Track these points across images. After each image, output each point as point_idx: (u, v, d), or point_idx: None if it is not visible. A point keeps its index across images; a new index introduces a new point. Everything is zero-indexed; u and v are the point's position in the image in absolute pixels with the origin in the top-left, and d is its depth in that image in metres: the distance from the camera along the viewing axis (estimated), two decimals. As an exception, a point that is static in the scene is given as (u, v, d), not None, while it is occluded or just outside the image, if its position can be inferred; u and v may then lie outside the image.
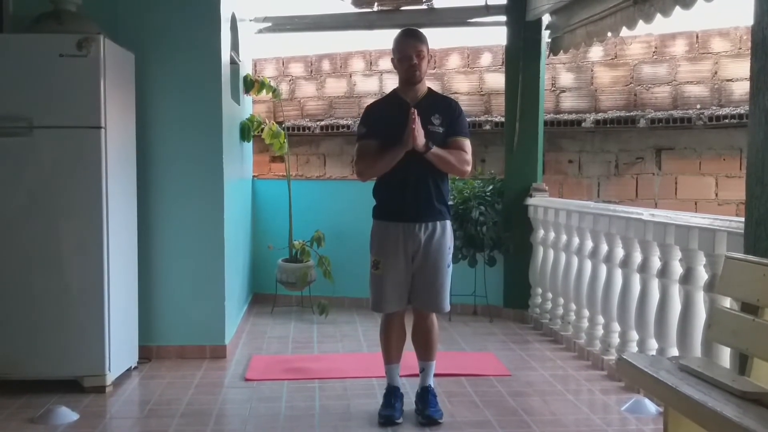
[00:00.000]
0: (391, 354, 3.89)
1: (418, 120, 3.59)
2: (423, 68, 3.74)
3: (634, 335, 4.39)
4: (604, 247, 4.78)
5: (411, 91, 3.77)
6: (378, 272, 3.79)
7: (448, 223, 3.83)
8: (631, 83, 7.26)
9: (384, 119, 3.75)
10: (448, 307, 3.87)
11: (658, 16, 4.47)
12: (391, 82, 7.68)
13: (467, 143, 3.78)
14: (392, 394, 3.85)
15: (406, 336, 3.93)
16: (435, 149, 3.65)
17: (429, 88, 3.87)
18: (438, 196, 3.77)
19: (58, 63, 4.14)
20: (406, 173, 3.68)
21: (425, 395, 3.83)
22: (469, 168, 3.79)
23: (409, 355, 3.99)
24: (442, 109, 3.78)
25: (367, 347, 5.33)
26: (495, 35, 7.13)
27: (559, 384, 4.45)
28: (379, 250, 3.80)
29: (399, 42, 3.76)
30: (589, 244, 5.03)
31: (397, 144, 3.62)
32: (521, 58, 6.17)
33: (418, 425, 3.74)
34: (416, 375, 3.94)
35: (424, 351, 3.89)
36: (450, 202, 6.04)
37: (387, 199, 3.80)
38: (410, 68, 3.71)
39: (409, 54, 3.70)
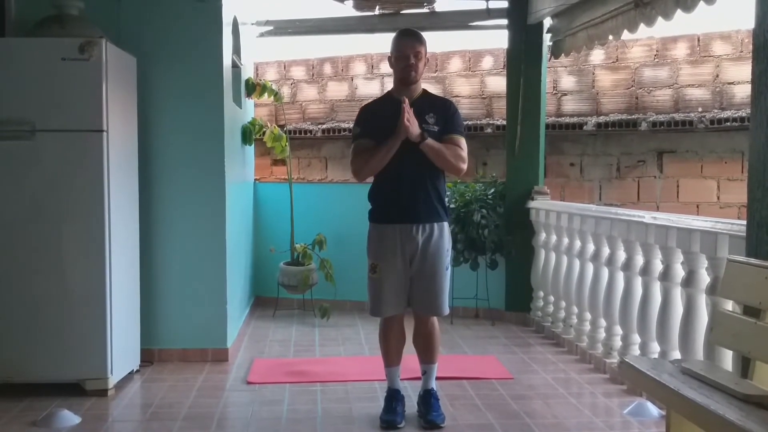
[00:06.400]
0: (391, 357, 3.88)
1: (410, 109, 3.57)
2: (419, 69, 3.73)
3: (636, 338, 4.38)
4: (606, 250, 4.78)
5: (406, 91, 3.74)
6: (376, 276, 3.76)
7: (446, 224, 3.80)
8: (632, 86, 7.26)
9: (378, 118, 3.74)
10: (447, 310, 3.85)
11: (660, 19, 4.47)
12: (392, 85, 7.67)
13: (462, 141, 3.76)
14: (393, 398, 3.84)
15: (405, 339, 3.91)
16: (430, 140, 3.62)
17: (424, 89, 3.86)
18: (435, 197, 3.74)
19: (60, 67, 4.15)
20: (401, 174, 3.67)
21: (427, 399, 3.82)
22: (464, 165, 3.74)
23: (410, 357, 3.99)
24: (436, 108, 3.77)
25: (368, 350, 5.33)
26: (496, 38, 7.14)
27: (561, 387, 4.45)
28: (376, 254, 3.77)
29: (397, 41, 3.75)
30: (590, 247, 5.03)
31: (390, 137, 3.61)
32: (522, 62, 6.17)
33: (420, 429, 3.74)
34: (418, 378, 3.93)
35: (425, 354, 3.88)
36: (451, 206, 6.10)
37: (383, 201, 3.78)
38: (407, 68, 3.70)
39: (406, 53, 3.69)
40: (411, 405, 3.92)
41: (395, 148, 3.62)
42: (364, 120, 3.82)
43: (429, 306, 3.79)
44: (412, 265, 3.73)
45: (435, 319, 3.86)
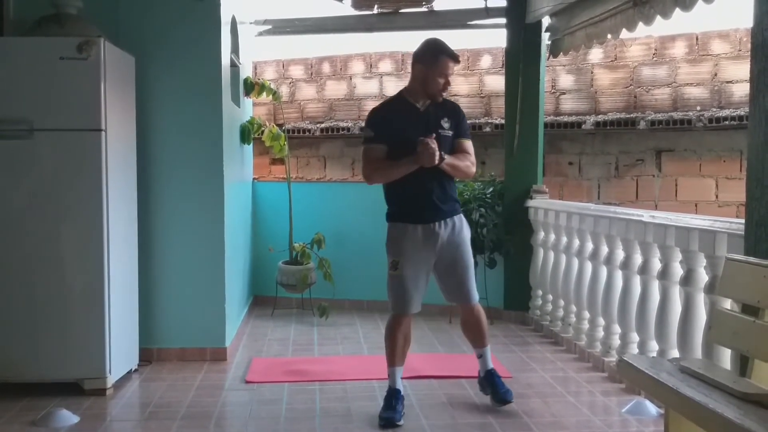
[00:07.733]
0: (396, 357, 3.90)
1: (435, 146, 3.67)
2: None
3: (635, 337, 4.39)
4: (605, 249, 4.78)
5: (423, 98, 3.84)
6: (397, 273, 3.82)
7: (462, 215, 3.96)
8: (631, 85, 7.26)
9: (393, 123, 3.81)
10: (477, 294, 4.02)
11: (658, 17, 4.47)
12: (391, 84, 7.69)
13: (470, 145, 3.95)
14: (393, 397, 3.85)
15: (410, 340, 3.96)
16: (447, 159, 3.75)
17: None
18: (450, 193, 3.89)
19: (58, 66, 4.15)
20: (416, 177, 3.75)
21: (491, 378, 3.97)
22: (474, 168, 3.97)
23: (410, 357, 3.99)
24: (449, 113, 3.89)
25: (367, 349, 5.33)
26: (495, 37, 7.14)
27: (560, 386, 4.45)
28: (397, 251, 3.83)
29: (444, 61, 3.79)
30: (589, 246, 5.03)
31: (411, 159, 3.70)
32: (521, 61, 6.17)
33: (419, 428, 3.74)
34: (418, 377, 3.95)
35: (478, 339, 4.04)
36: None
37: (402, 203, 3.86)
38: (443, 89, 3.82)
39: (447, 75, 3.81)
40: (411, 404, 3.93)
41: (412, 170, 3.73)
42: (377, 124, 3.85)
43: (469, 293, 3.94)
44: (439, 261, 3.83)
45: (479, 305, 4.00)
